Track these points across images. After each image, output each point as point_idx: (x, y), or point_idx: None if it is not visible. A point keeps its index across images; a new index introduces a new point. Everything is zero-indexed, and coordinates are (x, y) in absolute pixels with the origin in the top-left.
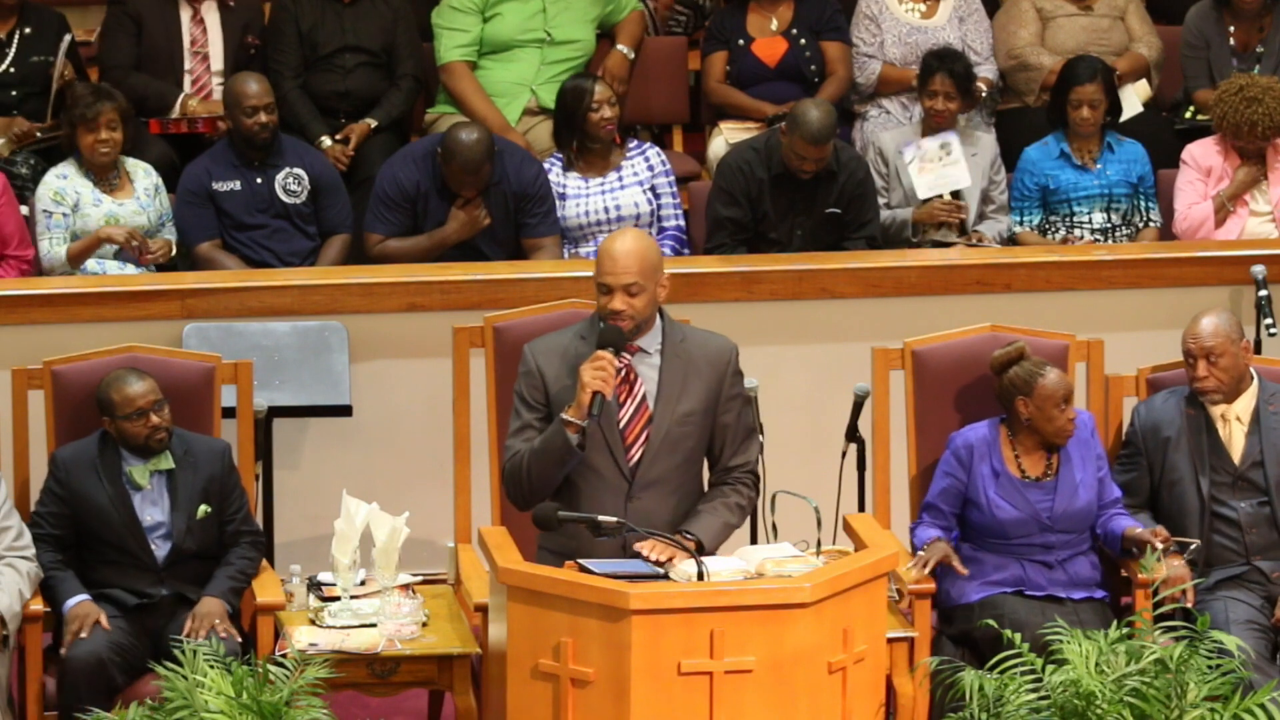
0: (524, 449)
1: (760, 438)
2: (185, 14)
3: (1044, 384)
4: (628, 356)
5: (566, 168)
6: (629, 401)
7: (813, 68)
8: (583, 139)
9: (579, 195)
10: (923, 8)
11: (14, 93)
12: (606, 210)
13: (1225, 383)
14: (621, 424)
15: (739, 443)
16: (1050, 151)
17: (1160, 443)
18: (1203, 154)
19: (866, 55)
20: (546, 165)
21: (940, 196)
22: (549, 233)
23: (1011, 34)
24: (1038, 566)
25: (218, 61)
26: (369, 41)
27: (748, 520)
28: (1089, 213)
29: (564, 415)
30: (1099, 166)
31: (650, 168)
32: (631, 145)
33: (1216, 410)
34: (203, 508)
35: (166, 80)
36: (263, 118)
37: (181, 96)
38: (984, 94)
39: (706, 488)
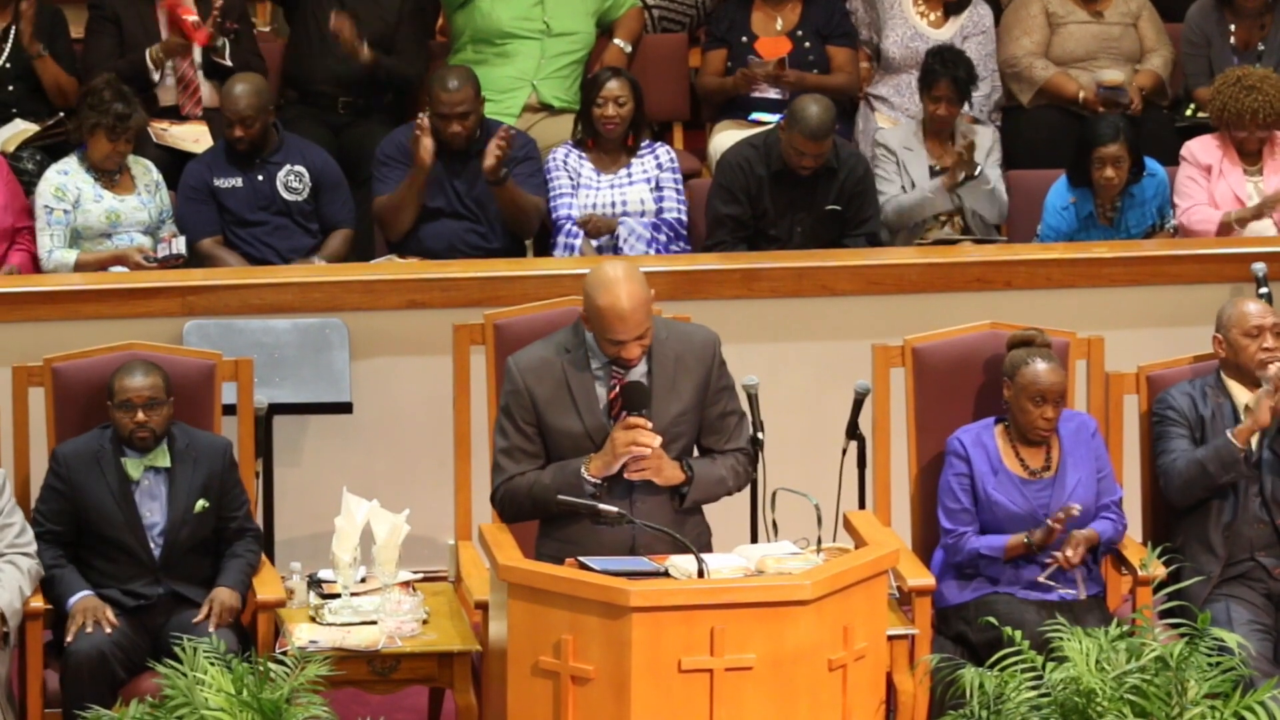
0: (519, 476)
1: (760, 435)
2: (161, 10)
3: (1024, 373)
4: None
5: (583, 156)
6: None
7: (815, 70)
8: (593, 132)
9: (590, 187)
10: (932, 16)
11: (10, 88)
12: (613, 205)
13: None
14: None
15: (730, 430)
16: (1076, 212)
17: (1198, 419)
18: (1202, 151)
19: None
20: (564, 150)
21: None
22: (534, 194)
23: (1014, 40)
24: (1034, 566)
25: (199, 53)
26: (369, 32)
27: (748, 519)
28: None
29: (585, 472)
30: (1120, 220)
31: (659, 165)
32: (644, 144)
33: (1241, 399)
34: (200, 502)
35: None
36: (238, 132)
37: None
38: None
39: None
